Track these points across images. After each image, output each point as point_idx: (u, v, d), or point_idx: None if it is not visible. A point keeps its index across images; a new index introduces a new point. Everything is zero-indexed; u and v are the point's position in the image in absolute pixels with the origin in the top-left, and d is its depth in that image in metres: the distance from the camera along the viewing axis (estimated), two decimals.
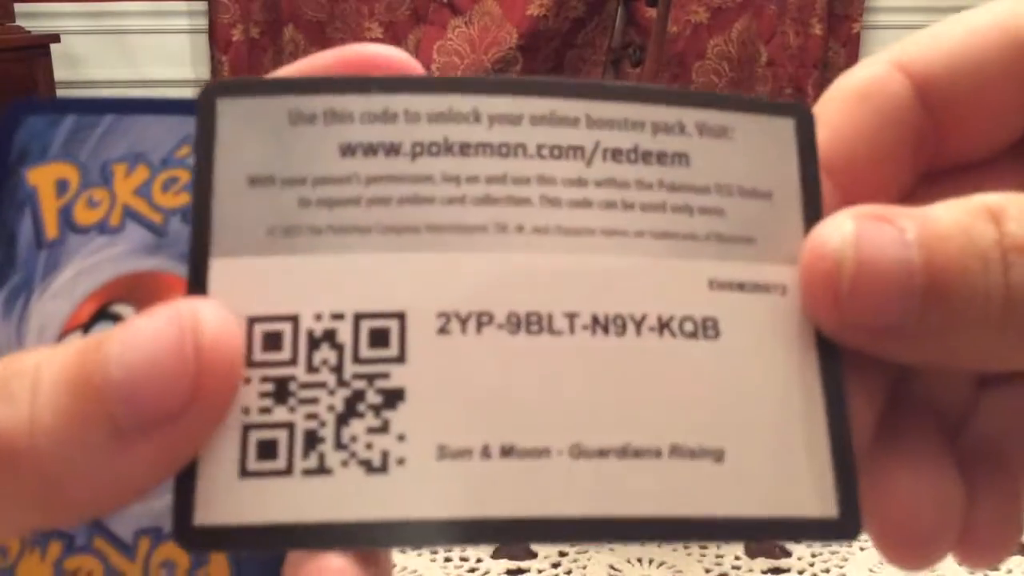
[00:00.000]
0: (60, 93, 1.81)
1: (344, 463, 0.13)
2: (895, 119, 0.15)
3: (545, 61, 1.84)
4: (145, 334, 0.12)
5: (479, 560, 0.39)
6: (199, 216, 0.14)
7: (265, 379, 0.14)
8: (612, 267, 0.14)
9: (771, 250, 0.15)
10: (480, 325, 0.14)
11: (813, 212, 0.15)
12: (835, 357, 0.15)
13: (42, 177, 0.18)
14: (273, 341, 0.14)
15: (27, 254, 0.18)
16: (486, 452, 0.13)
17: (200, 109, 0.14)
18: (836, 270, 0.14)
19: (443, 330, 0.14)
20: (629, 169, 0.15)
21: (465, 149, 0.14)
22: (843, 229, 0.14)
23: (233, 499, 0.13)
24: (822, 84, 1.87)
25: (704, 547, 0.40)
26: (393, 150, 0.14)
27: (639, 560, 0.39)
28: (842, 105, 0.16)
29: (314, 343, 0.14)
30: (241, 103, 0.14)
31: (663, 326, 0.14)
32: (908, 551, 0.15)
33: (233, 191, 0.14)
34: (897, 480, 0.15)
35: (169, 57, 1.90)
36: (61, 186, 0.18)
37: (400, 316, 0.14)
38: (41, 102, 0.19)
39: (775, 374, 0.15)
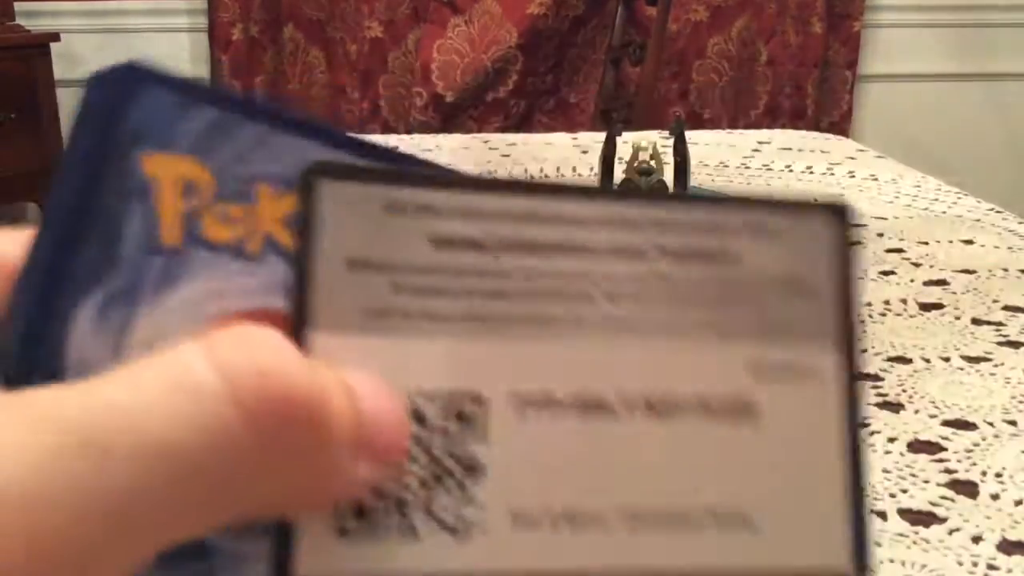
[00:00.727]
0: (60, 91, 1.81)
1: (430, 528, 0.15)
2: None
3: (545, 60, 1.84)
4: (372, 386, 0.14)
5: None
6: (301, 292, 0.15)
7: None
8: (664, 354, 0.16)
9: (811, 338, 0.17)
10: (550, 407, 0.16)
11: (851, 302, 0.17)
12: (858, 434, 0.17)
13: (164, 169, 0.16)
14: None
15: (136, 257, 0.16)
16: (554, 520, 0.15)
17: (302, 188, 0.15)
18: None
19: (519, 411, 0.15)
20: (684, 267, 0.17)
21: (542, 248, 0.16)
22: None
23: (332, 555, 0.15)
24: (822, 83, 1.87)
25: None
26: (478, 246, 0.16)
27: None
28: None
29: (411, 420, 0.15)
30: (342, 187, 0.15)
31: (706, 407, 0.16)
32: None
33: (333, 271, 0.15)
34: None
35: (169, 56, 1.90)
36: (188, 188, 0.16)
37: (482, 398, 0.15)
38: (172, 77, 0.16)
39: (803, 451, 0.17)
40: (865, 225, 0.82)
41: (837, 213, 0.18)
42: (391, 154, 0.17)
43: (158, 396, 0.12)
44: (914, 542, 0.41)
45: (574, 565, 0.15)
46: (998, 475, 0.46)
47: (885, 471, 0.46)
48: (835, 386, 0.17)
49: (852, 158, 1.02)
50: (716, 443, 0.16)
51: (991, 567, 0.39)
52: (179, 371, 0.12)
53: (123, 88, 0.16)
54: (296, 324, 0.15)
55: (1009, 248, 0.75)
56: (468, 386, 0.15)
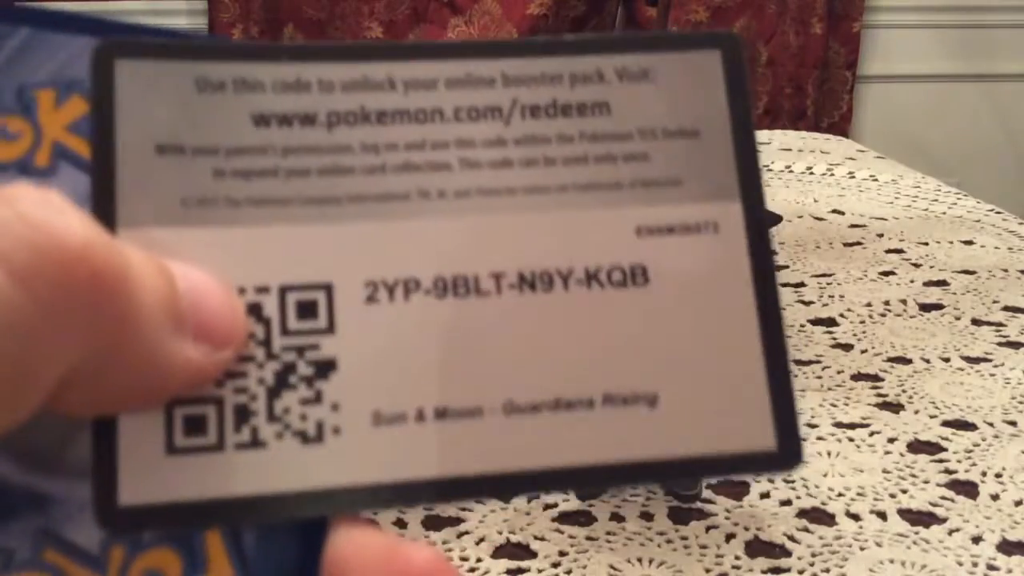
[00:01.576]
0: None
1: (278, 435, 0.13)
2: None
3: None
4: (191, 268, 0.13)
5: (479, 560, 0.39)
6: (102, 184, 0.13)
7: None
8: (536, 224, 0.14)
9: (700, 188, 0.15)
10: (407, 292, 0.14)
11: (745, 145, 0.15)
12: (771, 288, 0.15)
13: None
14: None
15: None
16: (420, 416, 0.14)
17: (96, 68, 0.14)
18: None
19: (371, 299, 0.14)
20: (548, 124, 0.15)
21: (382, 117, 0.14)
22: None
23: (161, 476, 0.13)
24: (822, 84, 1.87)
25: (704, 546, 0.40)
26: (308, 120, 0.14)
27: (639, 560, 0.39)
28: None
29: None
30: (142, 66, 0.14)
31: (591, 278, 0.14)
32: None
33: (139, 159, 0.13)
34: None
35: None
36: None
37: (327, 287, 0.14)
38: None
39: (709, 314, 0.15)
40: (865, 225, 0.82)
41: (721, 44, 0.15)
42: (186, 36, 0.15)
43: None
44: (914, 542, 0.41)
45: (446, 471, 0.14)
46: (998, 475, 0.46)
47: (885, 471, 0.46)
48: (737, 240, 0.15)
49: (852, 159, 1.02)
50: (605, 316, 0.14)
51: (991, 567, 0.39)
52: None
53: None
54: (98, 220, 0.13)
55: (1009, 248, 0.75)
56: (310, 276, 0.14)
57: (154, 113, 0.14)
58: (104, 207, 0.13)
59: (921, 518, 0.43)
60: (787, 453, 0.14)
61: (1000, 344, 0.59)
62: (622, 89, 0.15)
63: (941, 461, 0.47)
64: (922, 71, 1.89)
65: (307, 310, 0.14)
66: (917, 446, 0.48)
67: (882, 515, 0.42)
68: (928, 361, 0.57)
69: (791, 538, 0.41)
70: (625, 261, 0.15)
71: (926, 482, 0.45)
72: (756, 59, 1.87)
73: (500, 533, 0.41)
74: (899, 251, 0.75)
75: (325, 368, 0.14)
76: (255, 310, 0.14)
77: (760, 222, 0.15)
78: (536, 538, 0.41)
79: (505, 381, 0.14)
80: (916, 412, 0.51)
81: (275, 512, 0.13)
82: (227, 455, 0.13)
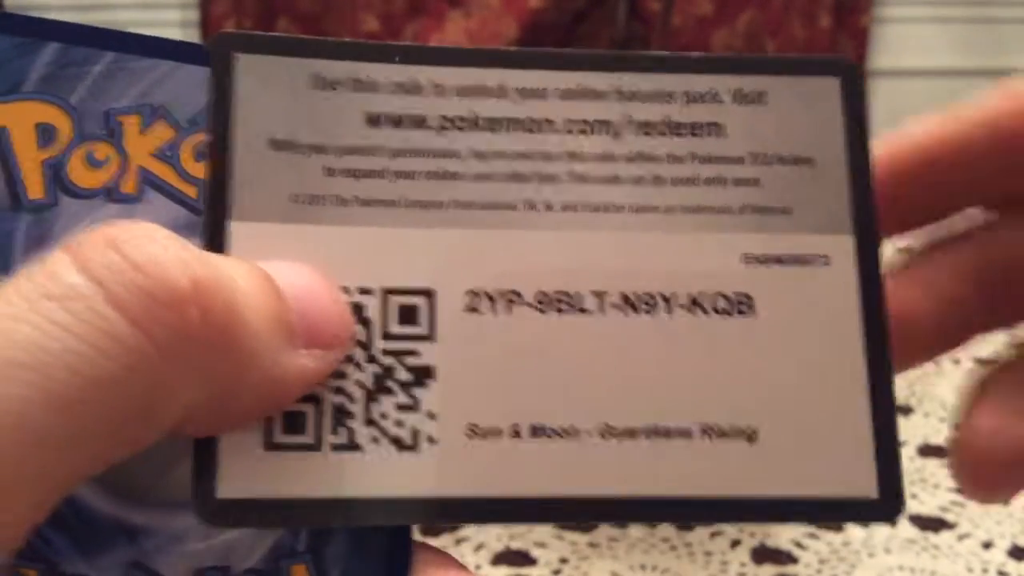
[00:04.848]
0: None
1: (375, 440, 0.13)
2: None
3: None
4: (299, 269, 0.13)
5: (478, 567, 0.38)
6: (217, 176, 0.13)
7: None
8: (642, 244, 0.14)
9: (812, 219, 0.15)
10: (509, 304, 0.14)
11: (861, 177, 0.15)
12: (881, 328, 0.14)
13: (14, 117, 0.14)
14: None
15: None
16: (516, 432, 0.14)
17: (216, 61, 0.14)
18: None
19: (472, 308, 0.14)
20: (660, 142, 0.15)
21: (492, 124, 0.14)
22: None
23: (259, 472, 0.13)
24: None
25: (709, 552, 0.39)
26: (419, 122, 0.14)
27: (642, 567, 0.38)
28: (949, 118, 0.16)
29: None
30: (261, 60, 0.14)
31: (694, 304, 0.14)
32: (986, 482, 0.15)
33: (254, 153, 0.14)
34: (979, 409, 0.15)
35: None
36: (44, 133, 0.14)
37: (429, 293, 0.14)
38: (9, 15, 0.14)
39: (814, 349, 0.14)
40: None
41: (841, 71, 0.15)
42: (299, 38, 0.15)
43: (26, 310, 0.11)
44: (924, 548, 0.40)
45: (538, 491, 0.13)
46: None
47: None
48: (848, 275, 0.14)
49: None
50: (706, 344, 0.14)
51: (1001, 573, 0.39)
52: (44, 279, 0.11)
53: None
54: (212, 215, 0.13)
55: None
56: (412, 281, 0.14)
57: (271, 108, 0.14)
58: (218, 199, 0.13)
59: (931, 523, 0.42)
60: (888, 502, 0.14)
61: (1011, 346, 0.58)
62: (737, 111, 0.15)
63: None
64: (932, 66, 1.87)
65: (409, 315, 0.14)
66: (927, 450, 0.48)
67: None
68: (938, 363, 0.56)
69: (798, 544, 0.40)
70: (730, 289, 0.14)
71: (936, 486, 0.45)
72: (762, 52, 1.86)
73: (499, 540, 0.40)
74: (908, 250, 0.74)
75: (423, 375, 0.14)
76: (357, 311, 0.14)
77: (873, 258, 0.15)
78: (537, 544, 0.40)
79: (602, 403, 0.14)
80: (926, 415, 0.51)
81: (367, 517, 0.13)
82: (324, 455, 0.13)
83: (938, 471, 0.46)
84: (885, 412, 0.14)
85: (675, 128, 0.15)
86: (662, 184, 0.15)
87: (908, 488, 0.44)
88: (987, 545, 0.41)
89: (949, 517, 0.43)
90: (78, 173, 0.14)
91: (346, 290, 0.14)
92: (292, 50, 0.14)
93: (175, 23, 1.95)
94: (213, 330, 0.12)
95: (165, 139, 0.14)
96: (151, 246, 0.11)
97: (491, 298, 0.14)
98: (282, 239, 0.13)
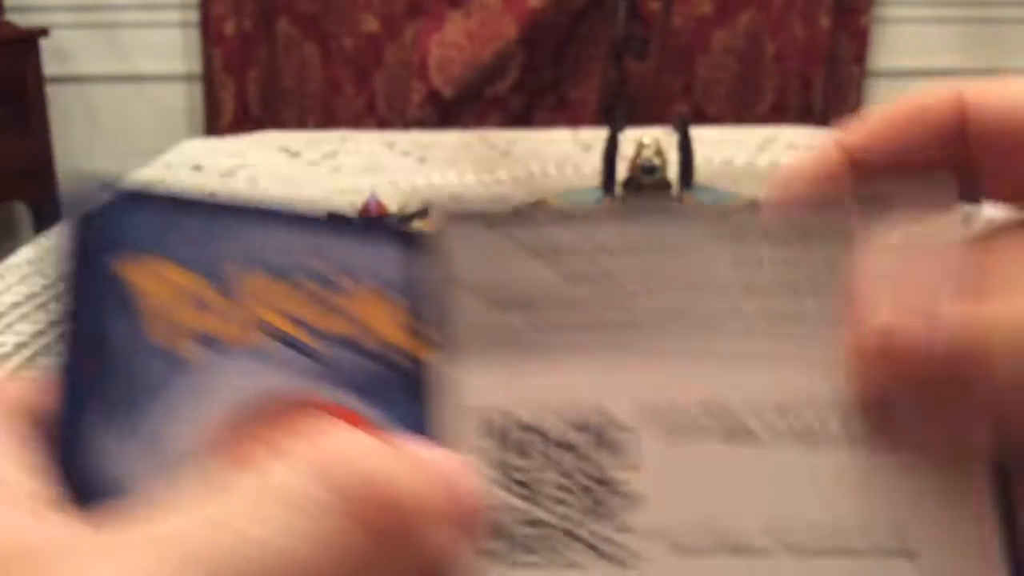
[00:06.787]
0: (50, 87, 1.78)
1: (595, 559, 0.16)
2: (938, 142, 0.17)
3: (545, 55, 1.80)
4: (449, 459, 0.14)
5: None
6: (443, 329, 0.16)
7: (520, 482, 0.16)
8: (799, 382, 0.16)
9: None
10: (697, 433, 0.16)
11: None
12: (1006, 474, 0.16)
13: (145, 275, 0.16)
14: (524, 448, 0.16)
15: (132, 362, 0.15)
16: (715, 550, 0.16)
17: (437, 229, 0.16)
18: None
19: (666, 437, 0.16)
20: (797, 269, 0.16)
21: (667, 282, 0.16)
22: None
23: None
24: (829, 78, 1.83)
25: None
26: (607, 277, 0.16)
27: None
28: (894, 114, 0.18)
29: (561, 449, 0.16)
30: (470, 229, 0.16)
31: (848, 436, 0.16)
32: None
33: (470, 306, 0.16)
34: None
35: (160, 51, 1.87)
36: (179, 293, 0.16)
37: (632, 429, 0.16)
38: (150, 195, 0.16)
39: (955, 485, 0.16)
40: None
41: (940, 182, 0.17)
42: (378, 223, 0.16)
43: (279, 522, 0.13)
44: None
45: None
46: None
47: None
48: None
49: None
50: (868, 473, 0.16)
51: None
52: (289, 491, 0.13)
53: (109, 214, 0.16)
54: (442, 357, 0.16)
55: None
56: (617, 417, 0.16)
57: (481, 270, 0.16)
58: (447, 346, 0.16)
59: None
60: None
61: None
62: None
63: None
64: (932, 65, 1.86)
65: (617, 448, 0.16)
66: None
67: None
68: None
69: None
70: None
71: None
72: (762, 53, 1.84)
73: None
74: None
75: (633, 501, 0.16)
76: (572, 448, 0.16)
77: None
78: None
79: (785, 523, 0.16)
80: None
81: None
82: (552, 572, 0.16)
83: None
84: (1014, 530, 0.16)
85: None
86: (804, 320, 0.16)
87: None
88: None
89: None
90: (214, 326, 0.16)
91: (562, 429, 0.16)
92: (494, 220, 0.16)
93: (175, 23, 1.92)
94: (407, 529, 0.13)
95: (279, 292, 0.16)
96: (373, 460, 0.13)
97: (682, 429, 0.16)
98: (503, 380, 0.16)
